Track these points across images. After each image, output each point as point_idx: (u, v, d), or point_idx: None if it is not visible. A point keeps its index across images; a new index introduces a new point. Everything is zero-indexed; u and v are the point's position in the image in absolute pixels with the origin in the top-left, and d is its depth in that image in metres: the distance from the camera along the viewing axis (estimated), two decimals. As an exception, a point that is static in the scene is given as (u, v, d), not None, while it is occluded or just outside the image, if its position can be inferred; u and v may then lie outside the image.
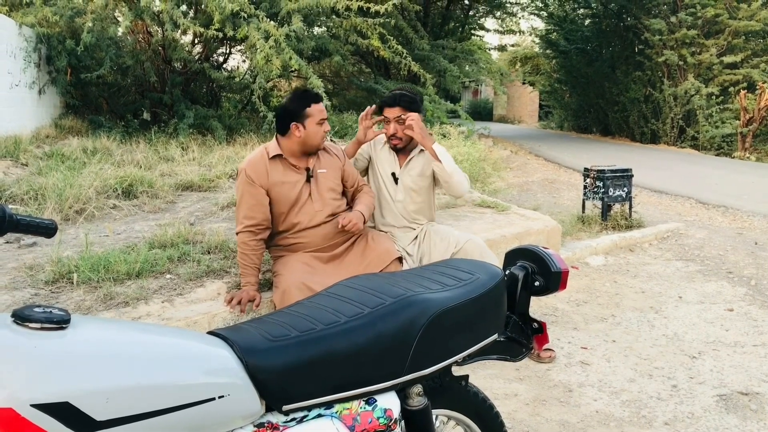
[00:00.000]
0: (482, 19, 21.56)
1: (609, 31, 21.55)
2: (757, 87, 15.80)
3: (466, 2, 20.26)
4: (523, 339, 1.95)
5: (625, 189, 7.16)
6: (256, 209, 3.35)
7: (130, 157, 7.99)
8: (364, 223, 3.46)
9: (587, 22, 23.64)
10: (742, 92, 15.93)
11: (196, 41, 13.92)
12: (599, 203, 7.18)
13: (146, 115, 13.58)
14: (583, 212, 7.33)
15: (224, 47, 14.65)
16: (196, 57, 14.05)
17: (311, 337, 1.49)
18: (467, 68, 17.52)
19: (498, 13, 21.01)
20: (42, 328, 1.20)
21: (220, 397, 1.33)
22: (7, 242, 4.55)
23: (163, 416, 1.25)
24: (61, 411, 1.13)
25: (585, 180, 7.29)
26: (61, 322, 1.22)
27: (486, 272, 1.80)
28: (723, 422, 3.09)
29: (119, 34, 12.54)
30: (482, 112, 36.61)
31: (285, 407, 1.44)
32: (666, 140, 18.44)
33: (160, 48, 12.88)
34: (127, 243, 4.35)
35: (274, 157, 3.40)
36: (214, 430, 1.35)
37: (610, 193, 7.09)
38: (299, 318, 1.57)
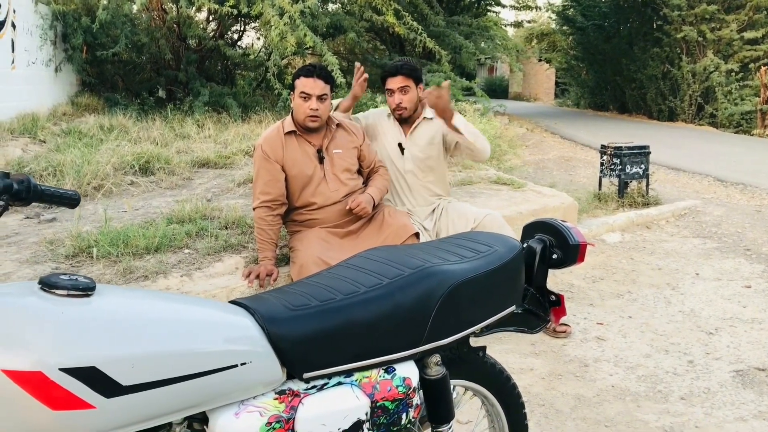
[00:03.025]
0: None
1: (627, 6, 21.22)
2: (778, 63, 15.57)
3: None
4: (540, 312, 1.96)
5: (643, 166, 7.10)
6: (271, 185, 3.36)
7: (146, 135, 8.03)
8: (375, 206, 3.42)
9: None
10: (763, 68, 15.68)
11: (210, 18, 13.92)
12: (616, 180, 7.14)
13: (161, 93, 13.63)
14: (600, 190, 7.29)
15: (239, 24, 14.64)
16: (211, 34, 14.05)
17: (331, 307, 1.50)
18: (483, 45, 17.36)
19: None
20: (68, 295, 1.22)
21: (242, 364, 1.35)
22: (27, 217, 4.60)
23: (187, 382, 1.27)
24: (88, 375, 1.15)
25: (602, 157, 7.24)
26: (86, 290, 1.24)
27: (504, 244, 1.81)
28: (739, 397, 3.09)
29: (134, 11, 12.57)
30: (497, 90, 36.30)
31: (305, 375, 1.46)
32: (684, 118, 18.24)
33: (174, 25, 12.89)
34: (145, 218, 4.38)
35: (289, 132, 3.39)
36: (236, 396, 1.38)
37: (627, 170, 7.05)
38: (319, 288, 1.58)
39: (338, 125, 3.48)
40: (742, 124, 16.43)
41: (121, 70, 13.21)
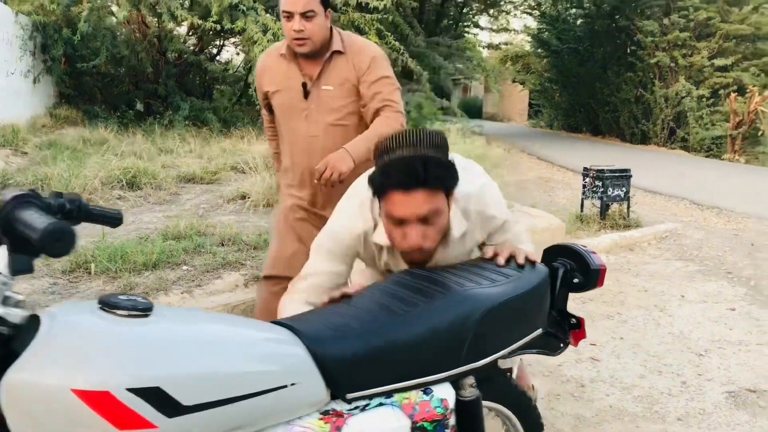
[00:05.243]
0: (476, 17, 21.64)
1: (601, 31, 21.66)
2: (747, 90, 15.98)
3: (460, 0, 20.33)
4: (560, 334, 2.00)
5: (624, 189, 7.24)
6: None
7: (129, 149, 7.98)
8: (355, 164, 2.50)
9: (579, 22, 23.76)
10: (732, 95, 16.11)
11: (191, 33, 13.90)
12: (598, 202, 7.26)
13: (139, 106, 13.55)
14: (582, 211, 7.41)
15: (218, 39, 14.64)
16: (191, 48, 14.01)
17: (373, 328, 1.53)
18: (460, 66, 17.58)
19: (491, 11, 21.10)
20: (129, 315, 1.23)
21: (291, 385, 1.37)
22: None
23: (241, 402, 1.29)
24: (152, 395, 1.16)
25: (584, 179, 7.36)
26: (145, 310, 1.25)
27: (531, 269, 1.85)
28: (734, 418, 3.16)
29: (119, 21, 12.48)
30: (472, 110, 36.49)
31: (349, 396, 1.48)
32: (656, 141, 18.61)
33: (155, 39, 12.83)
34: (138, 234, 4.36)
35: (283, 54, 2.77)
36: (283, 417, 1.39)
37: (609, 193, 7.17)
38: (357, 309, 1.61)
39: (336, 53, 2.70)
40: (713, 149, 16.83)
41: (99, 82, 13.14)
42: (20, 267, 1.19)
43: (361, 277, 2.23)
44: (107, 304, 1.23)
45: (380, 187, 1.72)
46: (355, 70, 2.68)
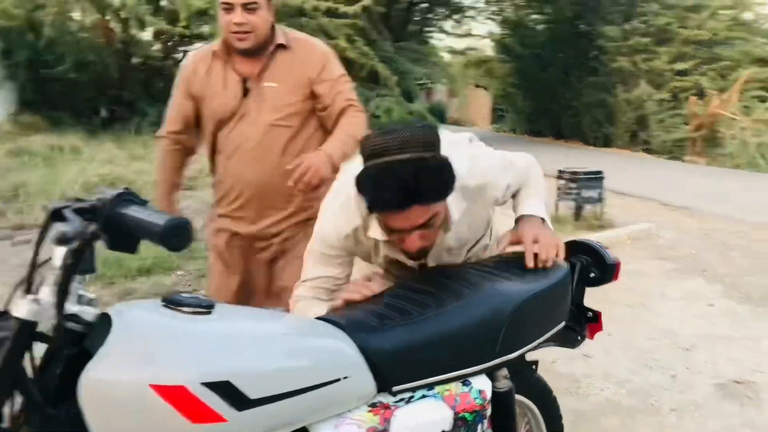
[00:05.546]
0: (440, 23, 21.86)
1: (564, 37, 21.98)
2: (706, 94, 16.39)
3: (425, 5, 20.51)
4: (578, 328, 2.06)
5: (597, 190, 7.39)
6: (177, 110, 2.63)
7: (100, 155, 7.88)
8: (335, 169, 2.18)
9: (541, 27, 24.08)
10: (692, 98, 16.50)
11: (157, 38, 13.78)
12: (572, 204, 7.40)
13: (104, 112, 13.37)
14: (557, 212, 7.53)
15: (185, 45, 14.54)
16: (157, 54, 13.87)
17: (415, 322, 1.56)
18: (427, 70, 17.75)
19: (456, 17, 21.33)
20: (194, 312, 1.25)
21: (344, 378, 1.40)
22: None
23: (300, 396, 1.31)
24: (222, 389, 1.18)
25: (559, 181, 7.49)
26: (209, 307, 1.27)
27: (554, 265, 1.90)
28: (724, 409, 3.27)
29: (79, 29, 12.31)
30: (436, 115, 36.63)
31: (395, 388, 1.51)
32: (619, 144, 18.94)
33: (120, 45, 12.68)
34: (127, 240, 4.32)
35: (216, 54, 2.50)
36: (335, 410, 1.42)
37: (583, 195, 7.31)
38: (394, 305, 1.64)
39: (281, 46, 2.46)
40: (675, 151, 17.18)
41: (64, 88, 12.93)
42: (88, 268, 1.20)
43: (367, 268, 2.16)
44: (171, 302, 1.25)
45: (372, 206, 1.62)
46: (307, 68, 2.45)
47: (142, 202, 1.21)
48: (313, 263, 1.90)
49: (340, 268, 1.90)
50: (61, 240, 1.12)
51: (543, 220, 1.99)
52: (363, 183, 1.57)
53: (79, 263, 1.14)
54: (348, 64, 15.34)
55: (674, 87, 17.89)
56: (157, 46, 14.18)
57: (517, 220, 2.00)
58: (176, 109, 2.59)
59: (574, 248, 2.10)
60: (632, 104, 18.30)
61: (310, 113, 2.49)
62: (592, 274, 2.04)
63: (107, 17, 12.09)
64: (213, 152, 2.57)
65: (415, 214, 1.58)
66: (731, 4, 18.06)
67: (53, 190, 5.34)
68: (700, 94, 16.98)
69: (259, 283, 2.62)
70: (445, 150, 1.65)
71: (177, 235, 1.12)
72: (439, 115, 37.20)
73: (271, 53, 2.43)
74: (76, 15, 12.11)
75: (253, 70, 2.42)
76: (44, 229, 1.17)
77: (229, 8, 2.31)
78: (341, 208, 1.81)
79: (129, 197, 1.18)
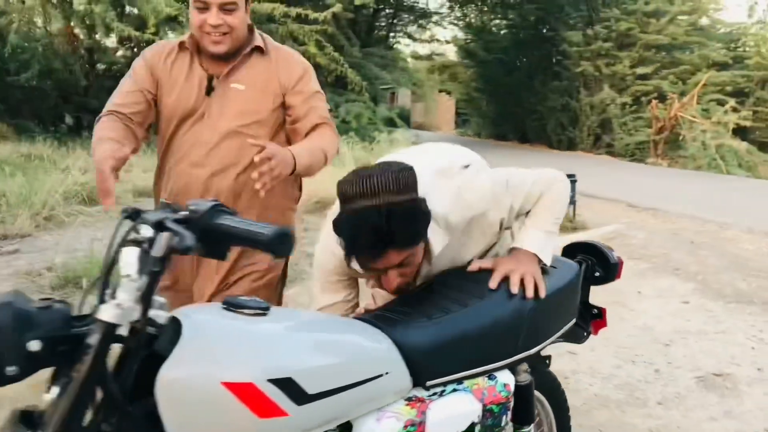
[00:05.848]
0: (405, 28, 22.06)
1: (527, 41, 22.39)
2: (668, 97, 16.85)
3: (390, 11, 20.68)
4: (584, 324, 2.18)
5: (570, 193, 7.56)
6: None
7: (76, 163, 7.82)
8: (293, 172, 1.98)
9: (504, 32, 24.45)
10: (654, 102, 16.95)
11: (124, 44, 13.66)
12: (545, 206, 7.55)
13: (69, 120, 13.22)
14: (531, 215, 7.69)
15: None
16: (123, 60, 13.75)
17: (446, 319, 1.65)
18: (392, 76, 17.90)
19: (421, 21, 21.55)
20: (254, 314, 1.33)
21: (386, 374, 1.48)
22: (-14, 249, 4.45)
23: (350, 390, 1.39)
24: (285, 385, 1.26)
25: (532, 184, 7.65)
26: (265, 309, 1.35)
27: (562, 264, 2.02)
28: (706, 400, 3.43)
29: (44, 35, 12.15)
30: (402, 119, 37.02)
31: (429, 383, 1.60)
32: (583, 147, 19.35)
33: (85, 51, 12.56)
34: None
35: (184, 46, 2.23)
36: (376, 404, 1.50)
37: (556, 197, 7.48)
38: (421, 305, 1.73)
39: (257, 49, 2.25)
40: (637, 153, 17.64)
41: (27, 96, 12.74)
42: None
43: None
44: (232, 305, 1.33)
45: (348, 251, 1.60)
46: (282, 75, 2.24)
47: (233, 212, 1.27)
48: (320, 291, 1.93)
49: (346, 290, 1.91)
50: (173, 250, 1.18)
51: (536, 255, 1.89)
52: (339, 227, 1.59)
53: (164, 271, 1.20)
54: (317, 69, 15.47)
55: (636, 91, 18.38)
56: (122, 52, 14.06)
57: (510, 251, 1.93)
58: (124, 96, 2.18)
59: (580, 249, 2.22)
60: (595, 108, 18.72)
61: (279, 126, 2.27)
62: (597, 273, 2.16)
63: (72, 23, 11.94)
64: (163, 157, 2.29)
65: (390, 258, 1.59)
66: (689, 9, 18.60)
67: (35, 199, 5.30)
68: (661, 97, 17.45)
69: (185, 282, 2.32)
70: (430, 184, 1.66)
71: (283, 243, 1.19)
72: (404, 119, 37.55)
73: (244, 55, 2.21)
74: (41, 21, 11.98)
75: (221, 69, 2.19)
76: (126, 235, 1.23)
77: (203, 8, 2.08)
78: (331, 236, 1.70)
79: (221, 208, 1.25)
